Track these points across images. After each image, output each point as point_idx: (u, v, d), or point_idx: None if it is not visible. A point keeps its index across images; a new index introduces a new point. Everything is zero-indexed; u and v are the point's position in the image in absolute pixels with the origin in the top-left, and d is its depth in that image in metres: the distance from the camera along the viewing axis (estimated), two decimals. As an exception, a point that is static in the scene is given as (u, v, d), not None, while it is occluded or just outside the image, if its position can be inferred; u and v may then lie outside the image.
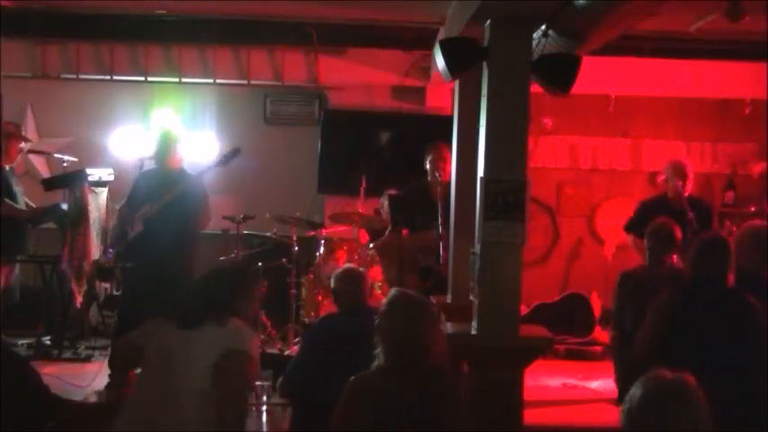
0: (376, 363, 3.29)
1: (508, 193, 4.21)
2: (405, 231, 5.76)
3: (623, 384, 5.06)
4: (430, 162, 6.14)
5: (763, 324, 3.93)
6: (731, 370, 3.82)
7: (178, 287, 5.77)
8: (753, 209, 7.93)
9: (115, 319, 6.57)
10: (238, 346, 3.39)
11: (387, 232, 6.26)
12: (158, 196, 5.83)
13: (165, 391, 3.35)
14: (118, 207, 6.33)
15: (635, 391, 2.33)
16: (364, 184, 7.03)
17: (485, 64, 4.33)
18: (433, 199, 5.77)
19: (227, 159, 6.01)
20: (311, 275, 7.09)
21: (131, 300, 5.91)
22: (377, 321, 3.32)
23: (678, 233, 5.29)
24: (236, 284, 3.66)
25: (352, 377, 3.27)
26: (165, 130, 6.33)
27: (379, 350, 3.28)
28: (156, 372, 3.43)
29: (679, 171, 6.21)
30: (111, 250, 6.03)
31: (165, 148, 6.03)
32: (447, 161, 5.80)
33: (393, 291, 3.38)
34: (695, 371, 2.38)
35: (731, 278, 4.11)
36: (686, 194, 6.18)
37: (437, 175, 5.98)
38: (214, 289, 3.60)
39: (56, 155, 7.46)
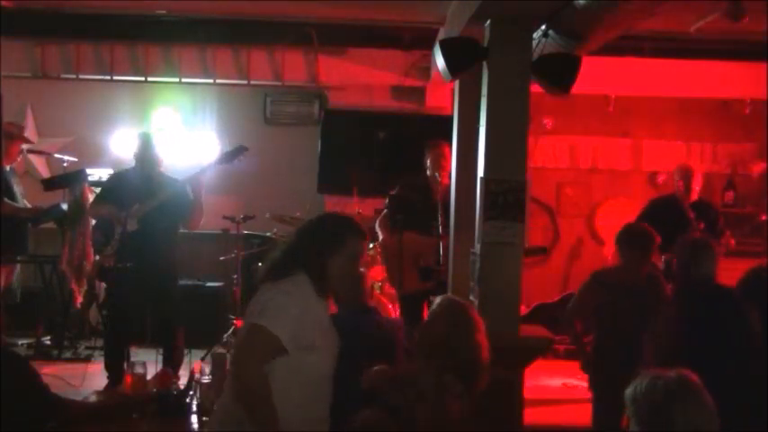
0: None
1: (508, 193, 4.22)
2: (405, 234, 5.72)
3: None
4: (431, 161, 5.98)
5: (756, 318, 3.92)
6: (735, 365, 3.80)
7: (162, 290, 5.74)
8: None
9: (106, 322, 6.48)
10: (262, 303, 2.91)
11: (379, 227, 6.22)
12: (141, 197, 5.64)
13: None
14: (90, 206, 6.14)
15: (639, 391, 2.31)
16: (356, 185, 6.99)
17: (485, 64, 4.33)
18: (433, 199, 5.75)
19: (231, 156, 5.77)
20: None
21: (118, 302, 5.80)
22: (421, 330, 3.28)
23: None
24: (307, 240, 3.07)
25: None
26: (145, 132, 6.25)
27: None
28: None
29: (686, 176, 6.33)
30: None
31: (146, 149, 5.87)
32: (449, 160, 5.72)
33: (440, 298, 3.36)
34: (703, 370, 2.37)
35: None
36: (694, 198, 6.29)
37: (437, 174, 5.85)
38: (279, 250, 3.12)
39: (56, 155, 7.47)
